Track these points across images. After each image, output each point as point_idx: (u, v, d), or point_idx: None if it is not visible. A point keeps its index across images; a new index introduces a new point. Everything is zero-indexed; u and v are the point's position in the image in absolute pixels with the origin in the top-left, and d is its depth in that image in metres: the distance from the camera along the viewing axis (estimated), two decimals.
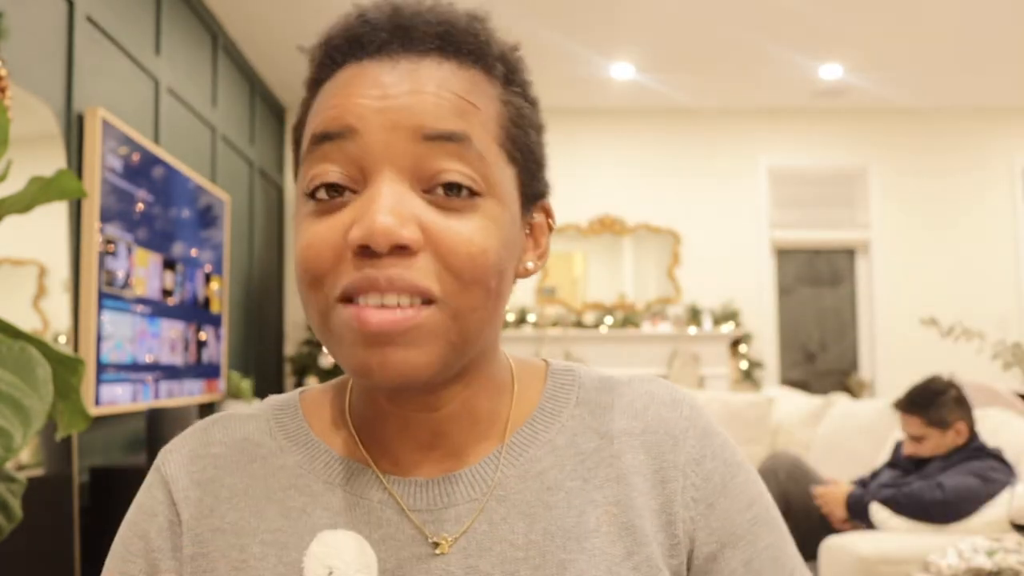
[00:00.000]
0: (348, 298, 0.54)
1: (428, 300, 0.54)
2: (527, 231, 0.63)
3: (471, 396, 0.62)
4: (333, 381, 0.68)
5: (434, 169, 0.54)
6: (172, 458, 0.65)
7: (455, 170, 0.54)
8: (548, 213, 0.65)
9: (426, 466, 0.62)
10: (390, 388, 0.59)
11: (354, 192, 0.55)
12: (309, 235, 0.55)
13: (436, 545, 0.59)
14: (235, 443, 0.65)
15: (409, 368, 0.54)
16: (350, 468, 0.62)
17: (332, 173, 0.55)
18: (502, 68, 0.59)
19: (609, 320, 6.28)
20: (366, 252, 0.53)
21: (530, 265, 0.63)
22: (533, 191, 0.62)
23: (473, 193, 0.55)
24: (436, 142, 0.54)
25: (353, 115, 0.54)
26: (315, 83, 0.59)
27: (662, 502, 0.62)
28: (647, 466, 0.63)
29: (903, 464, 2.94)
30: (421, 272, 0.53)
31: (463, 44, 0.57)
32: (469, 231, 0.54)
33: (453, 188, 0.55)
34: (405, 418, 0.61)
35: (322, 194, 0.55)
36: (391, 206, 0.53)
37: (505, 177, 0.58)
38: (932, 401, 2.83)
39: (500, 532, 0.60)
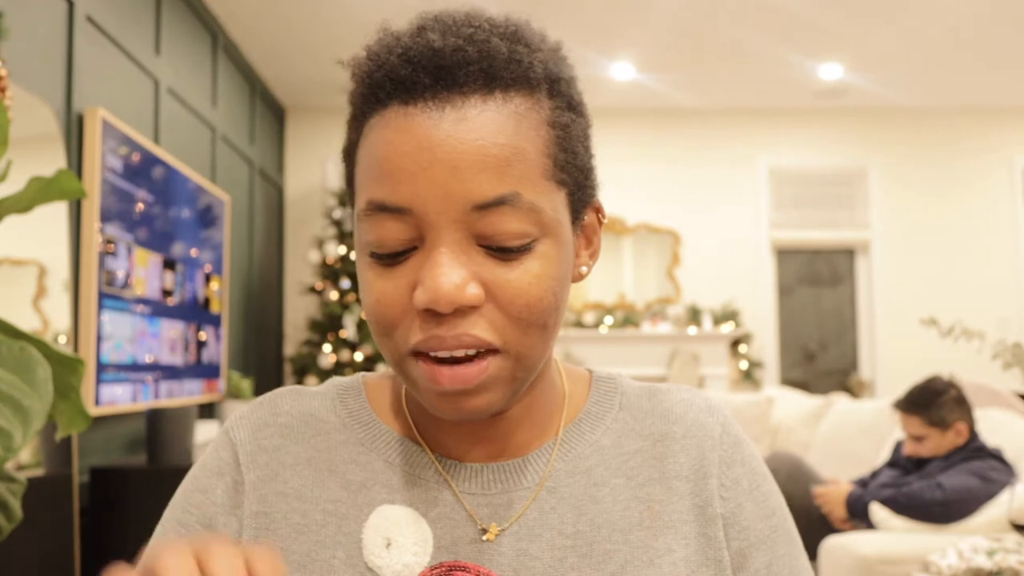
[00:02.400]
0: (419, 352, 0.58)
1: (492, 349, 0.58)
2: (579, 233, 0.64)
3: (531, 402, 0.66)
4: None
5: (487, 232, 0.57)
6: (242, 424, 0.68)
7: (506, 232, 0.57)
8: (598, 210, 0.66)
9: (478, 454, 0.66)
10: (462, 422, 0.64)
11: (414, 248, 0.58)
12: (376, 291, 0.59)
13: (484, 531, 0.63)
14: (301, 416, 0.68)
15: (481, 410, 0.59)
16: (408, 449, 0.66)
17: (391, 243, 0.57)
18: (546, 84, 0.60)
19: (609, 320, 6.28)
20: (431, 314, 0.57)
21: (583, 270, 0.65)
22: (583, 200, 0.63)
23: (526, 244, 0.58)
24: (487, 208, 0.56)
25: (405, 193, 0.56)
26: (361, 114, 0.60)
27: (700, 502, 0.66)
28: (688, 467, 0.67)
29: (903, 464, 2.94)
30: (483, 325, 0.57)
31: (506, 75, 0.58)
32: (526, 281, 0.57)
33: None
34: (465, 422, 0.65)
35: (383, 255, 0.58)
36: (451, 269, 0.56)
37: (556, 206, 0.59)
38: (932, 401, 2.83)
39: (550, 520, 0.64)
